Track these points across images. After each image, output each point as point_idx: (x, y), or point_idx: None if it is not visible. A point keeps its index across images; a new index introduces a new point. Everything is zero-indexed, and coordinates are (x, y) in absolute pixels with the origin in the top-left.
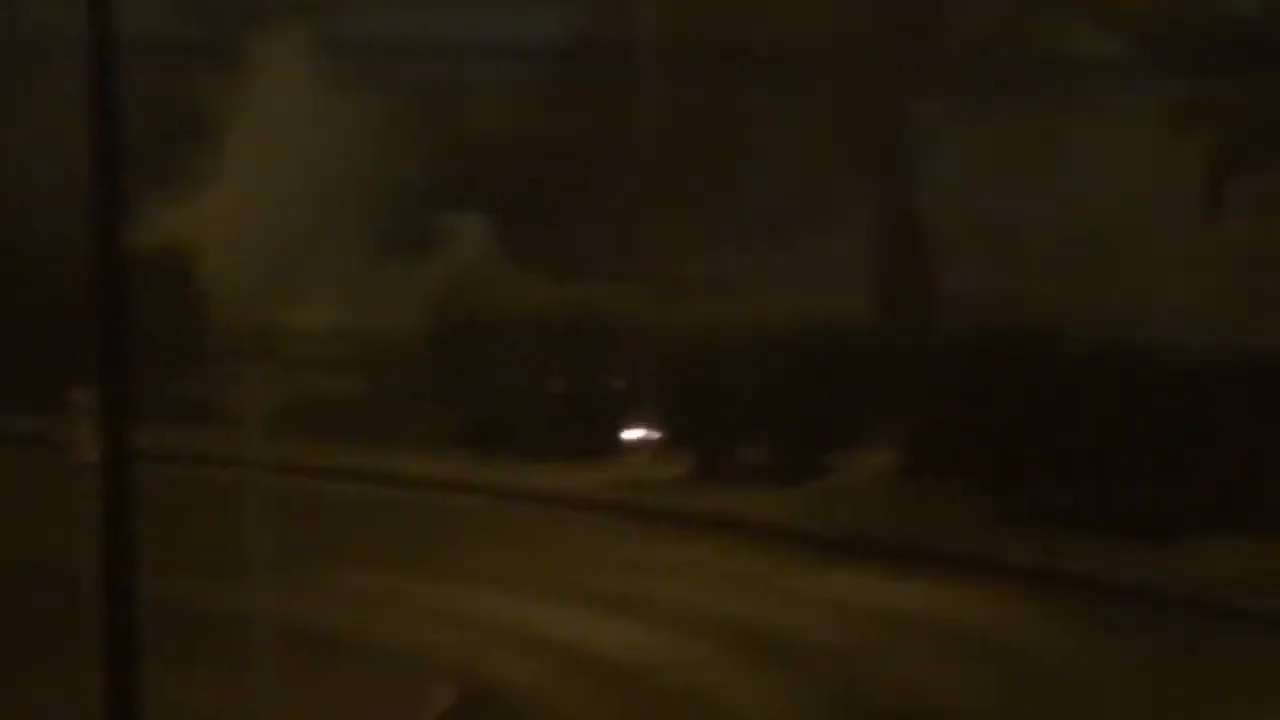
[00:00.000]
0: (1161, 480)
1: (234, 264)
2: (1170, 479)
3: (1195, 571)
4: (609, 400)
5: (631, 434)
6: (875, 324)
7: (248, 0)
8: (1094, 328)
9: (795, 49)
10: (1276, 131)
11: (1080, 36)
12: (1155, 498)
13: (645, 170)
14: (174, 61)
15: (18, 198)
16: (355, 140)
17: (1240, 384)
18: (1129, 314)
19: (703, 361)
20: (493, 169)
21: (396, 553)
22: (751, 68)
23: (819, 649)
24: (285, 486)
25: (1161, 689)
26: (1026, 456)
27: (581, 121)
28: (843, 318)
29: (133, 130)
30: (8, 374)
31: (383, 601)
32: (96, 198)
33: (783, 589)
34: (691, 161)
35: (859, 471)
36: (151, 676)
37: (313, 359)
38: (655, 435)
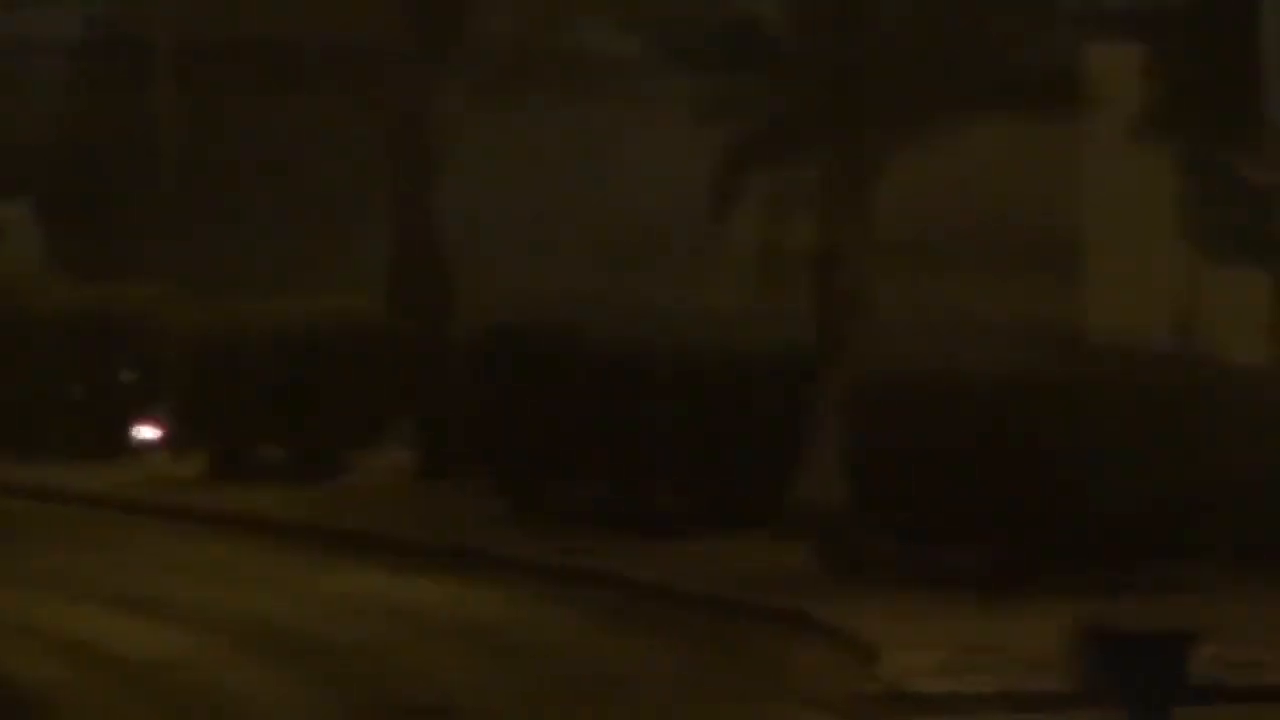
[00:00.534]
0: (679, 479)
1: None
2: (687, 478)
3: (710, 570)
4: (128, 400)
5: (150, 433)
6: (395, 323)
7: None
8: (616, 326)
9: (322, 45)
10: (790, 129)
11: (606, 33)
12: (674, 497)
13: (180, 170)
14: None
15: None
16: None
17: (755, 384)
18: (652, 313)
19: (223, 361)
20: (26, 167)
21: None
22: (281, 64)
23: (335, 645)
24: None
25: (674, 684)
26: (545, 455)
27: (111, 119)
28: (362, 317)
29: None
30: None
31: None
32: None
33: (299, 586)
34: (224, 161)
35: (377, 470)
36: None
37: None
38: (174, 434)
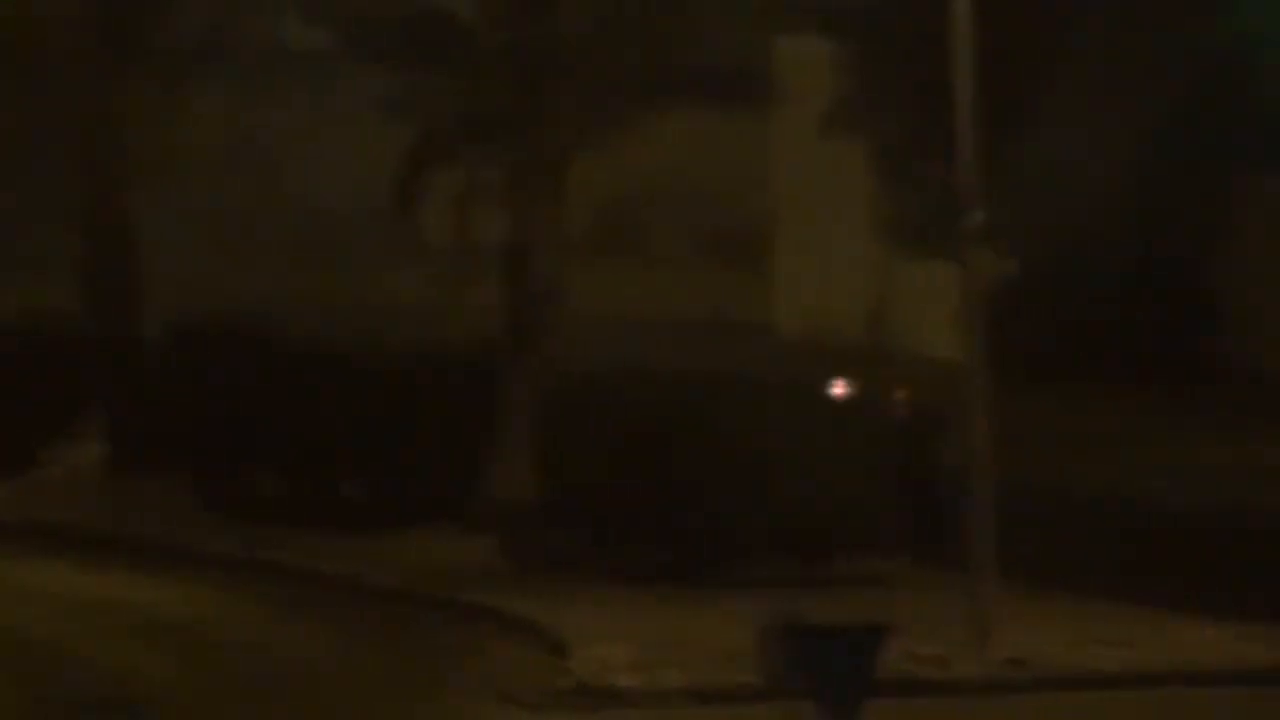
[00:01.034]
0: (368, 474)
1: None
2: (376, 473)
3: (399, 564)
4: None
5: None
6: (86, 318)
7: None
8: (307, 322)
9: (6, 39)
10: (478, 124)
11: (295, 29)
12: (366, 491)
13: None
14: None
15: None
16: None
17: (446, 378)
18: (345, 306)
19: None
20: None
21: None
22: None
23: (16, 638)
24: None
25: (365, 679)
26: (233, 449)
27: None
28: (54, 312)
29: None
30: None
31: None
32: None
33: None
34: None
35: (67, 464)
36: None
37: None
38: None
